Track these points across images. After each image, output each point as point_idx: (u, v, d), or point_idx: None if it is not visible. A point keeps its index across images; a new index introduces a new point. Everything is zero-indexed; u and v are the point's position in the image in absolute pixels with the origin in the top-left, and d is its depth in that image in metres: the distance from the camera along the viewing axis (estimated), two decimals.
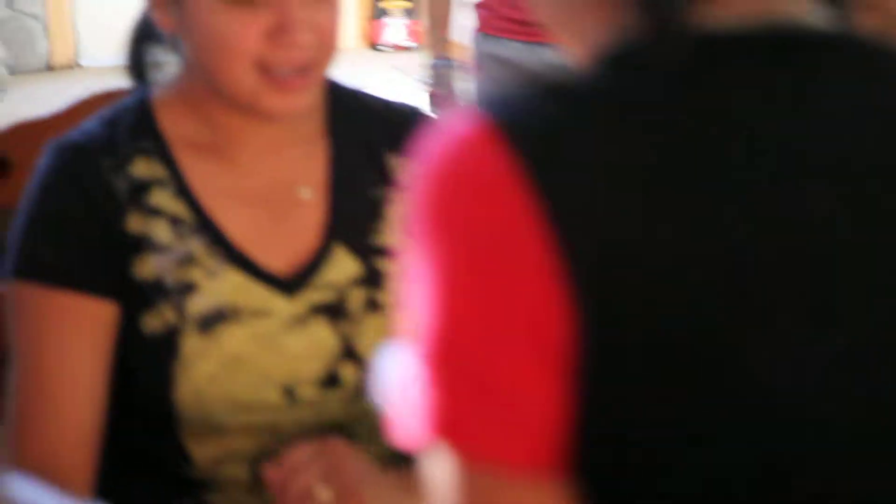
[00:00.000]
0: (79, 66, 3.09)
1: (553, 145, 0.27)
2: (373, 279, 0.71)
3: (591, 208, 0.26)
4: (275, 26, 0.63)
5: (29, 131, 0.84)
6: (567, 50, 0.34)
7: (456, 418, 0.26)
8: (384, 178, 0.73)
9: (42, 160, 0.69)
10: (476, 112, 0.28)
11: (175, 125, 0.70)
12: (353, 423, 0.71)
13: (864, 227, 0.28)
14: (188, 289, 0.68)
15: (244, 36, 0.63)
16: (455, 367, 0.26)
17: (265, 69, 0.64)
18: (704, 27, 0.28)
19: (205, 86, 0.69)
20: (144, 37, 0.74)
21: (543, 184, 0.25)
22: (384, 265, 0.72)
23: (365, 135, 0.74)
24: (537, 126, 0.27)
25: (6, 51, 2.79)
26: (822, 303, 0.27)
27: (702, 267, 0.27)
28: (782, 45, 0.29)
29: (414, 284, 0.28)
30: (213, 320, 0.68)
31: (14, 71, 2.84)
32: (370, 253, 0.71)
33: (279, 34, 0.63)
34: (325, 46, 0.66)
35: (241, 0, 0.63)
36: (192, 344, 0.67)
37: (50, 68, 3.03)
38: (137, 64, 0.75)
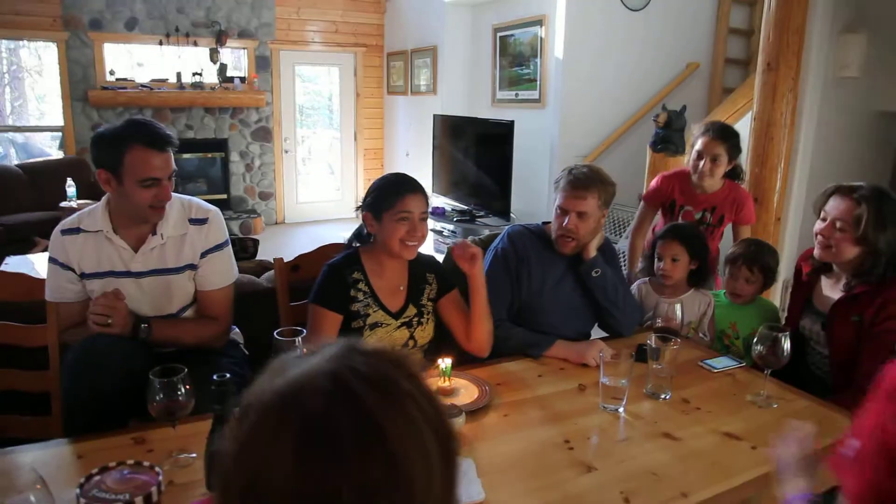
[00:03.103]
0: (285, 222, 8.09)
1: None
2: (421, 315, 1.84)
3: None
4: (409, 228, 1.73)
5: (304, 257, 2.09)
6: None
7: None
8: (426, 283, 1.87)
9: (325, 265, 1.80)
10: None
11: (366, 261, 1.81)
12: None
13: None
14: (367, 315, 1.78)
15: (400, 233, 1.73)
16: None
17: (403, 242, 1.74)
18: None
19: (380, 249, 1.77)
20: (356, 238, 1.88)
21: None
22: (425, 310, 1.86)
23: (418, 267, 1.85)
24: None
25: (265, 216, 7.84)
26: None
27: None
28: None
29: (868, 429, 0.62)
30: (373, 326, 1.78)
31: (266, 224, 7.82)
32: (419, 307, 1.85)
33: (411, 232, 1.74)
34: (426, 236, 1.72)
35: (402, 220, 1.71)
36: (366, 332, 1.76)
37: (277, 223, 8.03)
38: (351, 242, 1.88)
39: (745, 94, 4.29)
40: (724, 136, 2.73)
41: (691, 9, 5.72)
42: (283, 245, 6.64)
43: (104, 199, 1.82)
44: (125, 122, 1.73)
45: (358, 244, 1.89)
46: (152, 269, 1.83)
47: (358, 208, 1.83)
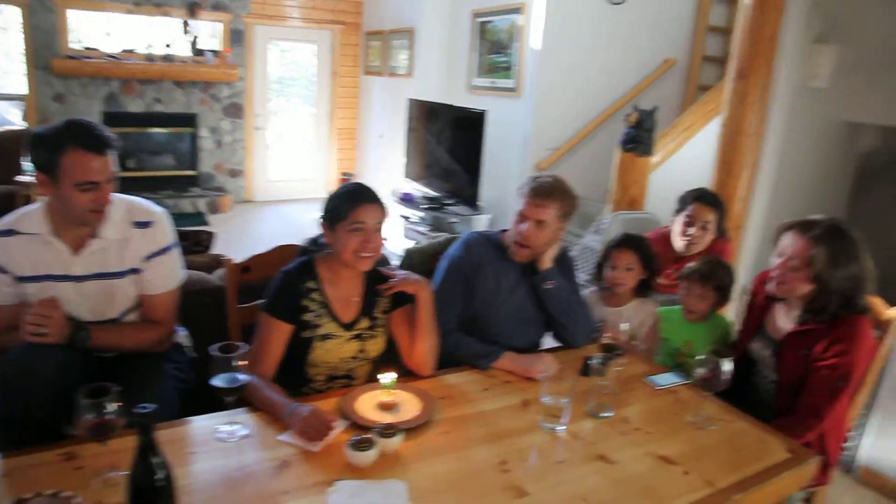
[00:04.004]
0: (254, 200, 8.00)
1: None
2: (373, 328, 1.80)
3: None
4: (363, 240, 1.68)
5: (256, 258, 2.08)
6: None
7: None
8: (378, 294, 1.82)
9: (280, 272, 1.75)
10: None
11: (321, 269, 1.76)
12: (355, 368, 1.81)
13: None
14: (318, 326, 1.72)
15: (353, 244, 1.68)
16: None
17: (357, 253, 1.69)
18: None
19: (336, 259, 1.72)
20: (312, 244, 1.84)
21: None
22: (377, 323, 1.81)
23: (371, 277, 1.82)
24: None
25: (234, 194, 7.74)
26: None
27: None
28: None
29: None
30: (324, 337, 1.73)
31: (235, 202, 7.74)
32: (372, 319, 1.81)
33: (365, 243, 1.69)
34: (380, 247, 1.68)
35: (356, 231, 1.67)
36: (316, 343, 1.72)
37: (245, 201, 7.94)
38: (307, 249, 1.84)
39: (716, 97, 4.30)
40: (715, 203, 2.76)
41: (671, 5, 5.69)
42: (251, 224, 6.66)
43: (43, 200, 1.77)
44: (63, 122, 1.67)
45: (314, 250, 1.87)
46: (94, 272, 1.78)
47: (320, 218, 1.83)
